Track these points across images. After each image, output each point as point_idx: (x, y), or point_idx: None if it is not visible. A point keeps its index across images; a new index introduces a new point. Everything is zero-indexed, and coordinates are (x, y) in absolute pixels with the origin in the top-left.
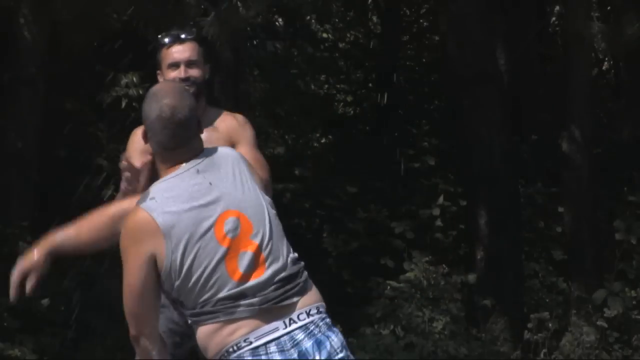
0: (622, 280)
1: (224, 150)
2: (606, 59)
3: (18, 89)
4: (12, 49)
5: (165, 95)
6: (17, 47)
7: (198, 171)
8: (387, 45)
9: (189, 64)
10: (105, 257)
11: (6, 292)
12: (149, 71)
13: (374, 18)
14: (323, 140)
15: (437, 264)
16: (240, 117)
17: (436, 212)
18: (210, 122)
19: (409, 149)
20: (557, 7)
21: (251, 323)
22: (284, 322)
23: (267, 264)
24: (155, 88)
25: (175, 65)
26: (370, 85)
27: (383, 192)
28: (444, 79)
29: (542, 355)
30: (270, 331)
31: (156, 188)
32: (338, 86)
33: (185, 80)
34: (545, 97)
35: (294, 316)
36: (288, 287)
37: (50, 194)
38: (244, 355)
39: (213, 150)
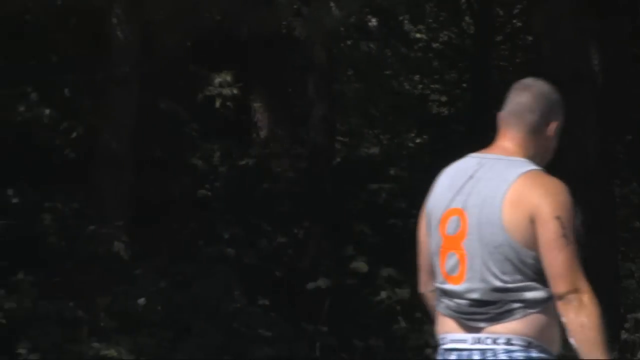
0: None
1: (515, 169)
2: None
3: (112, 89)
4: (105, 49)
5: (538, 80)
6: (110, 47)
7: (479, 163)
8: (481, 46)
9: None
10: (197, 257)
11: (102, 292)
12: (243, 71)
13: (467, 18)
14: (418, 140)
15: None
16: None
17: None
18: None
19: None
20: None
21: (451, 324)
22: (473, 337)
23: (465, 277)
24: None
25: None
26: (464, 85)
27: None
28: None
29: (639, 356)
30: (459, 340)
31: (465, 157)
32: (432, 86)
33: None
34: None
35: (482, 337)
36: (478, 310)
37: (144, 193)
38: (440, 350)
39: (512, 160)
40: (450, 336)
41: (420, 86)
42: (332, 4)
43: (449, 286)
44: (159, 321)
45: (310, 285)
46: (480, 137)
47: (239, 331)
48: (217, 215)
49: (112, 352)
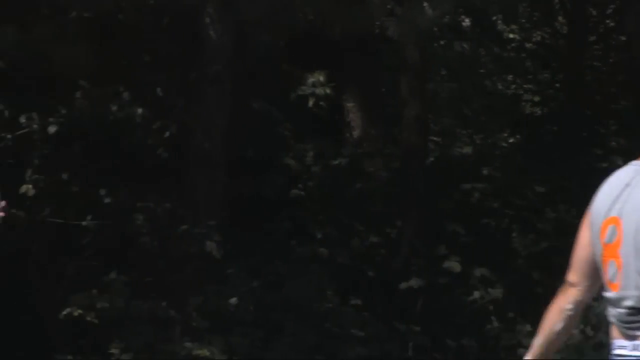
0: None
1: None
2: None
3: (205, 88)
4: (198, 48)
5: None
6: (203, 46)
7: (636, 171)
8: (574, 46)
9: None
10: (290, 257)
11: (194, 291)
12: (336, 70)
13: (560, 18)
14: (511, 140)
15: None
16: None
17: None
18: None
19: (597, 149)
20: None
21: (616, 331)
22: (632, 344)
23: (621, 284)
24: None
25: None
26: (557, 85)
27: (572, 192)
28: (631, 79)
29: None
30: (621, 346)
31: (627, 165)
32: (525, 86)
33: None
34: None
35: (638, 343)
36: (634, 318)
37: (237, 193)
38: (610, 355)
39: None
40: (618, 342)
41: (514, 86)
42: (425, 4)
43: (610, 294)
44: (251, 321)
45: (403, 285)
46: (573, 137)
47: (332, 331)
48: (310, 215)
49: (204, 352)
